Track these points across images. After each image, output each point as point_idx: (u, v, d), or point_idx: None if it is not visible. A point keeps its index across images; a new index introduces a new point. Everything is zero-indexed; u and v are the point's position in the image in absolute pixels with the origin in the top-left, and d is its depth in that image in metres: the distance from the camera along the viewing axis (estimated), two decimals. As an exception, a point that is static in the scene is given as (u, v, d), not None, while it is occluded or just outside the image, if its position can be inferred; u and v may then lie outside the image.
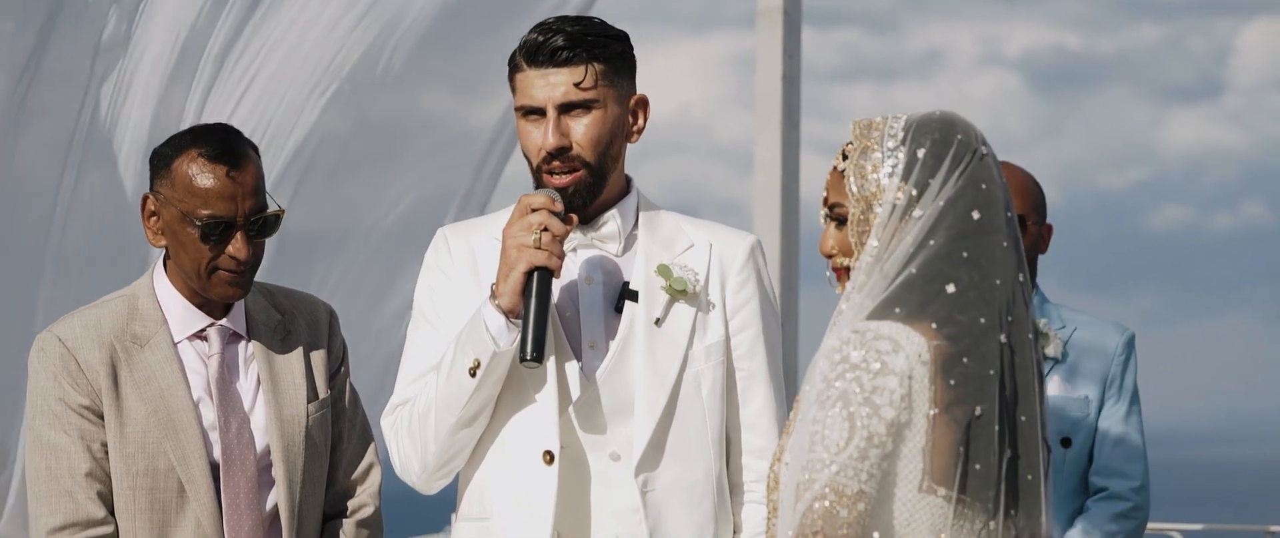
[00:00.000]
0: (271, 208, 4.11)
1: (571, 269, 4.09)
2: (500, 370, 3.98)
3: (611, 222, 4.11)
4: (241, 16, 5.93)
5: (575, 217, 4.03)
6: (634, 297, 4.07)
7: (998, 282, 3.45)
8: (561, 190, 4.02)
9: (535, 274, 3.93)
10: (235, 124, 4.32)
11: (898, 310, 3.42)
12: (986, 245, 3.45)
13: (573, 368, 4.04)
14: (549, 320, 3.96)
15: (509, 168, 6.67)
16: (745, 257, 4.15)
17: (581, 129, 4.03)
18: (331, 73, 6.12)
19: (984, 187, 3.47)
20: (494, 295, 3.96)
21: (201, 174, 4.05)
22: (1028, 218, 5.23)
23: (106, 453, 4.08)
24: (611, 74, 4.05)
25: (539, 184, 4.05)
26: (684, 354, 4.07)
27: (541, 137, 4.03)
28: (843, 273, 3.59)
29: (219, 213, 4.05)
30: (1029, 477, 3.44)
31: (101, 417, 4.08)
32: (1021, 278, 3.49)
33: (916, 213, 3.45)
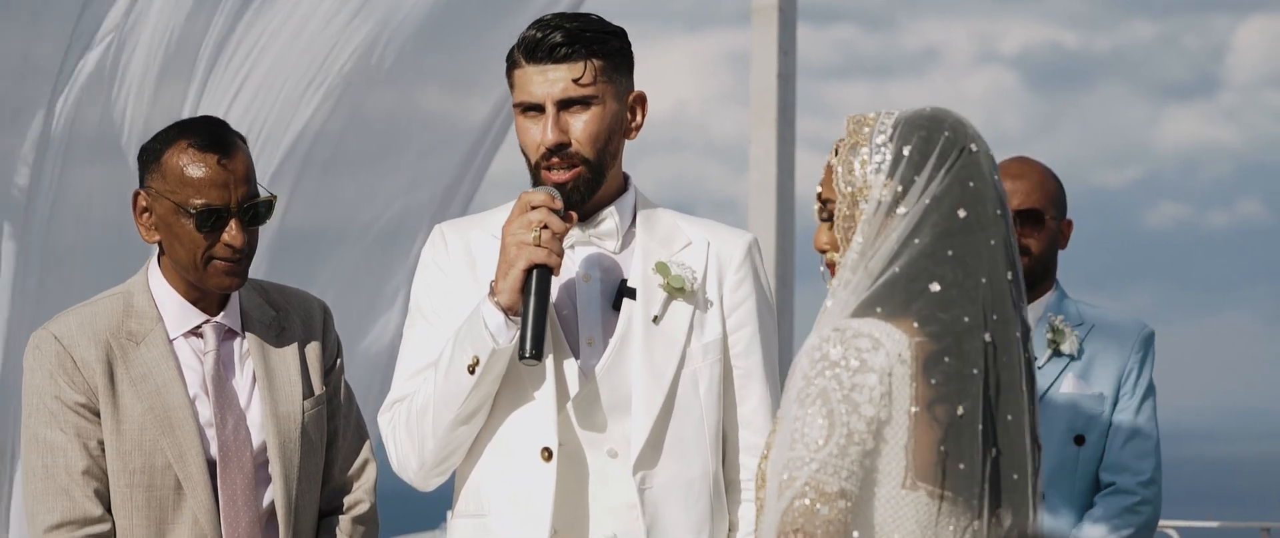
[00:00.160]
0: (263, 195, 4.11)
1: (569, 266, 4.08)
2: (499, 368, 3.98)
3: (609, 219, 4.11)
4: (235, 12, 5.93)
5: (574, 214, 4.03)
6: (632, 294, 4.07)
7: (983, 280, 3.43)
8: (560, 187, 4.02)
9: (535, 272, 3.93)
10: (230, 121, 4.32)
11: (879, 310, 3.41)
12: (972, 243, 3.44)
13: (571, 365, 4.04)
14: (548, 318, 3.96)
15: (496, 164, 6.67)
16: (743, 255, 4.15)
17: (580, 125, 4.03)
18: (325, 69, 6.12)
19: (972, 185, 3.45)
20: (493, 293, 3.96)
21: (192, 164, 4.06)
22: (1046, 212, 5.19)
23: (103, 451, 4.08)
24: (610, 70, 4.05)
25: (537, 181, 4.05)
26: (681, 352, 4.07)
27: (540, 133, 4.02)
28: (836, 268, 3.59)
29: (212, 201, 4.05)
30: (1015, 476, 3.43)
31: (98, 414, 4.08)
32: (1011, 276, 3.47)
33: (901, 210, 3.44)
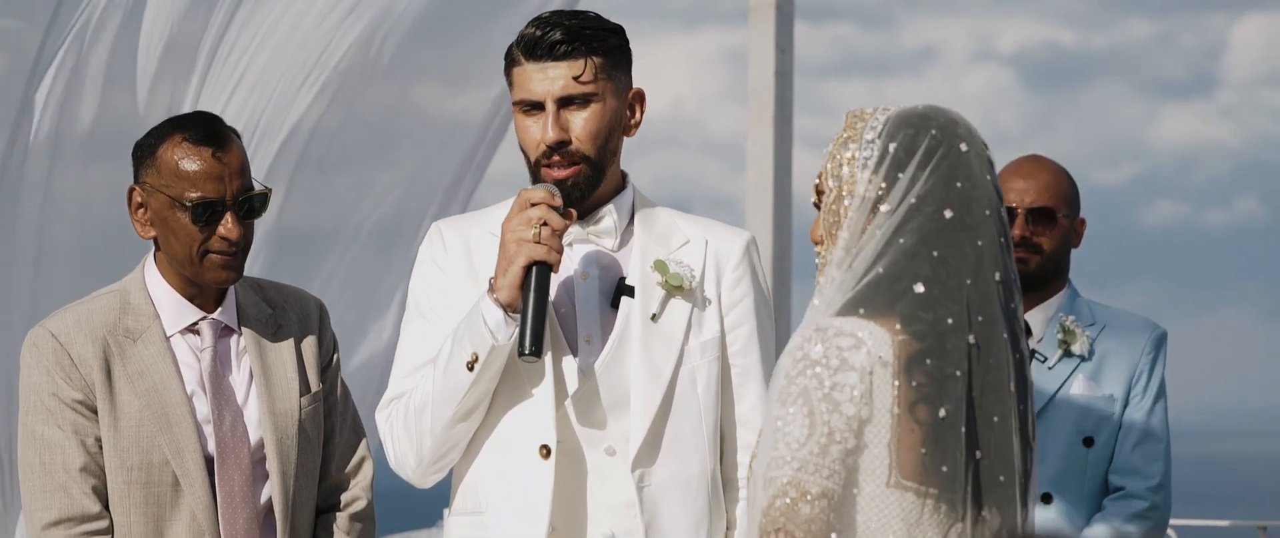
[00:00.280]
0: (258, 188, 4.12)
1: (568, 264, 4.08)
2: (498, 364, 3.98)
3: (608, 216, 4.10)
4: (231, 8, 5.92)
5: (574, 211, 4.03)
6: (630, 292, 4.07)
7: (968, 281, 3.42)
8: (560, 183, 4.01)
9: (534, 269, 3.93)
10: (226, 118, 4.32)
11: (862, 310, 3.41)
12: (958, 244, 3.43)
13: (569, 363, 4.04)
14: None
15: (494, 163, 6.66)
16: (740, 253, 4.15)
17: (581, 123, 4.03)
18: (321, 65, 6.11)
19: (959, 185, 3.44)
20: (492, 289, 3.95)
21: (187, 158, 4.06)
22: (1058, 211, 5.16)
23: (100, 448, 4.08)
24: (610, 67, 4.05)
25: (536, 179, 4.05)
26: (680, 350, 4.07)
27: (541, 131, 4.02)
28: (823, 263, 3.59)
29: (208, 194, 4.06)
30: (1001, 478, 3.42)
31: (95, 411, 4.08)
32: (999, 277, 3.45)
33: (885, 207, 3.43)
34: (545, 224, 3.93)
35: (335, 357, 4.32)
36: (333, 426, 4.27)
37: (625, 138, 4.13)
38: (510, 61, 4.07)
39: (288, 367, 4.19)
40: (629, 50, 4.11)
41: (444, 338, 4.03)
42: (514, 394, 4.03)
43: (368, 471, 4.31)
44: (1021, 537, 3.41)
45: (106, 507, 4.08)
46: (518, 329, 3.93)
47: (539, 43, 4.01)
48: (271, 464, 4.13)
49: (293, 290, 4.34)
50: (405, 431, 4.07)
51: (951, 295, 3.41)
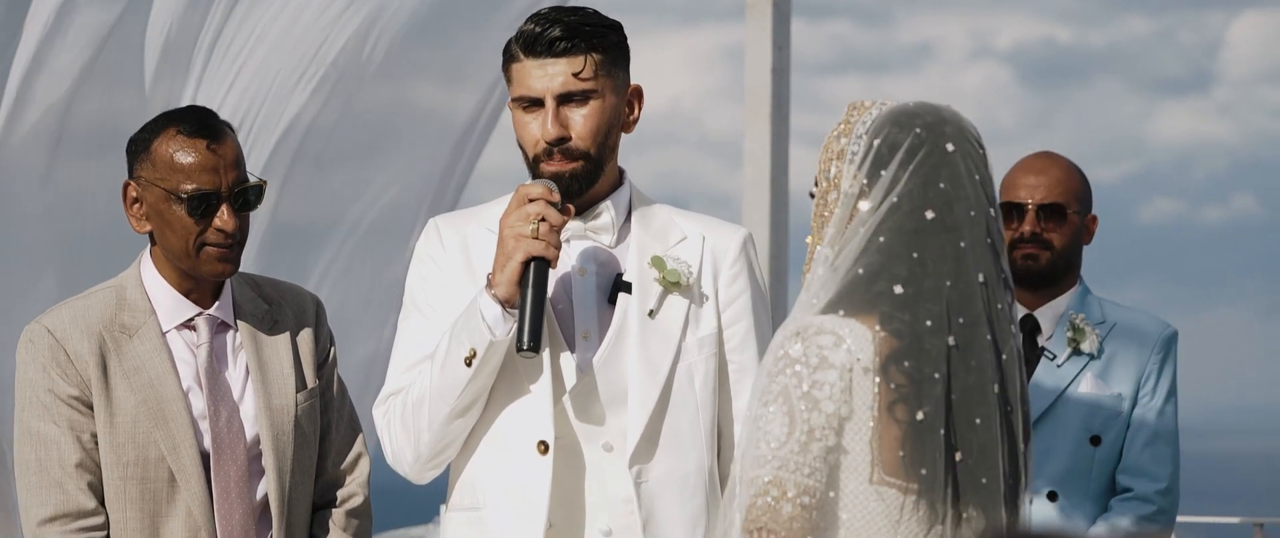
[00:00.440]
0: (253, 180, 4.12)
1: (565, 260, 4.08)
2: (496, 360, 3.97)
3: (605, 213, 4.10)
4: (228, 6, 5.92)
5: (572, 207, 4.03)
6: (627, 288, 4.06)
7: (948, 283, 3.40)
8: (558, 179, 4.01)
9: (532, 264, 3.92)
10: (223, 114, 4.32)
11: (841, 311, 3.40)
12: (939, 245, 3.41)
13: (567, 359, 4.04)
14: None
15: (490, 159, 6.66)
16: (737, 250, 4.15)
17: (581, 119, 4.02)
18: (317, 62, 6.12)
19: (942, 186, 3.42)
20: (490, 285, 3.95)
21: (182, 151, 4.06)
22: (1069, 207, 5.13)
23: (96, 444, 4.07)
24: (609, 64, 4.05)
25: (535, 175, 4.04)
26: (677, 346, 4.07)
27: (540, 127, 4.02)
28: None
29: (203, 186, 4.06)
30: (984, 480, 3.40)
31: (91, 407, 4.07)
32: (983, 278, 3.43)
33: (865, 205, 3.42)
34: (543, 220, 3.93)
35: (332, 353, 4.31)
36: (329, 421, 4.27)
37: (624, 134, 4.13)
38: (509, 57, 4.07)
39: (284, 363, 4.19)
40: (627, 47, 4.11)
41: (441, 334, 4.03)
42: (512, 390, 4.03)
43: (364, 467, 4.30)
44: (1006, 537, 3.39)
45: (102, 503, 4.08)
46: (516, 325, 3.93)
47: (538, 39, 4.01)
48: (268, 460, 4.12)
49: (289, 286, 4.34)
50: (402, 426, 4.07)
51: (930, 297, 3.39)
